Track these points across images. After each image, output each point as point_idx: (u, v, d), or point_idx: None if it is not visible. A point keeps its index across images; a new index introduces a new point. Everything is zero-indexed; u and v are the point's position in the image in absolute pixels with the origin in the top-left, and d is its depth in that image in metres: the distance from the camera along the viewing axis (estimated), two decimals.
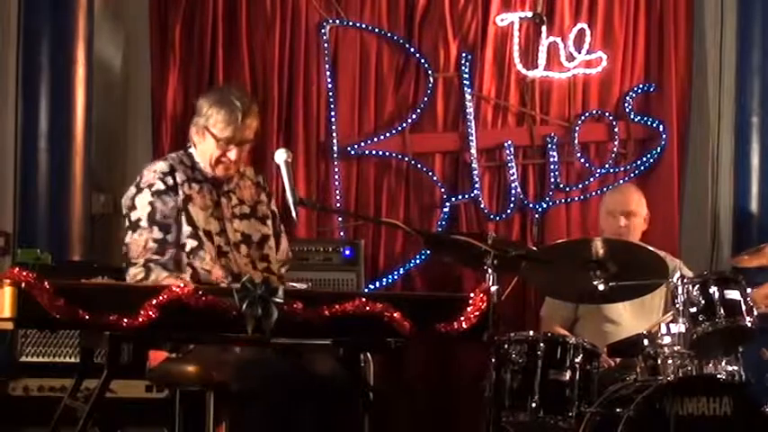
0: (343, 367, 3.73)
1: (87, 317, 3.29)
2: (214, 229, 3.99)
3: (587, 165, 6.33)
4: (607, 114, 6.36)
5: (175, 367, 3.84)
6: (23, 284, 3.24)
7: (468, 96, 6.12)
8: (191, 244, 3.94)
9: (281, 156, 3.85)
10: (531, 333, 4.62)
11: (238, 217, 4.07)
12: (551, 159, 6.25)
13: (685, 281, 4.47)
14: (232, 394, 3.76)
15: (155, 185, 3.96)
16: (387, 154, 6.03)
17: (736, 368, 4.49)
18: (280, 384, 3.67)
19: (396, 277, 5.93)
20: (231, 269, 3.94)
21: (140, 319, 3.33)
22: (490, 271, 3.67)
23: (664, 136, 6.39)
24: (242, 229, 4.06)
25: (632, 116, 6.39)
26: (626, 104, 6.38)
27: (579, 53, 6.29)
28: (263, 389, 3.64)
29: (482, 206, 6.13)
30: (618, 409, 4.29)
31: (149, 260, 3.88)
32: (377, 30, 6.04)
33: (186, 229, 3.95)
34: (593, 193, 6.28)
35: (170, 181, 3.97)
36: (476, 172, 6.11)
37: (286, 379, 3.70)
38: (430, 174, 6.08)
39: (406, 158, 6.05)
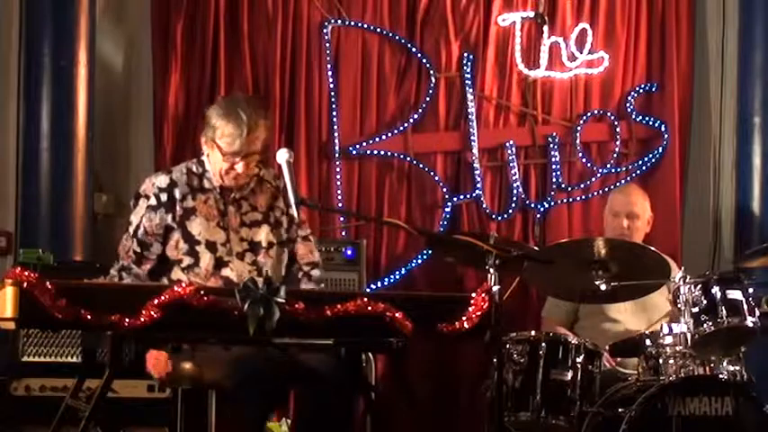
0: (342, 366, 3.75)
1: (89, 317, 3.30)
2: (219, 240, 4.00)
3: (589, 165, 6.33)
4: (609, 114, 6.36)
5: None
6: (25, 284, 3.24)
7: (469, 96, 6.12)
8: (187, 261, 3.98)
9: (282, 156, 3.85)
10: (533, 333, 4.62)
11: (248, 225, 4.05)
12: (553, 159, 6.25)
13: (687, 281, 4.47)
14: (226, 392, 3.78)
15: (150, 199, 4.01)
16: (388, 154, 6.03)
17: (737, 368, 4.49)
18: (269, 379, 3.71)
19: (397, 277, 5.93)
20: (231, 280, 3.94)
21: (142, 319, 3.34)
22: (492, 271, 3.67)
23: (665, 136, 6.39)
24: (250, 236, 4.04)
25: (634, 116, 6.39)
26: (628, 104, 6.38)
27: (581, 53, 6.29)
28: (253, 384, 3.68)
29: (484, 206, 6.13)
30: (620, 409, 4.30)
31: (126, 268, 4.00)
32: (378, 30, 6.04)
33: (183, 246, 3.98)
34: (595, 193, 6.28)
35: (164, 197, 3.99)
36: (477, 172, 6.10)
37: (276, 373, 3.74)
38: (431, 174, 6.08)
39: (408, 158, 6.05)
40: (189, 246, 3.97)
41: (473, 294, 3.63)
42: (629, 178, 6.32)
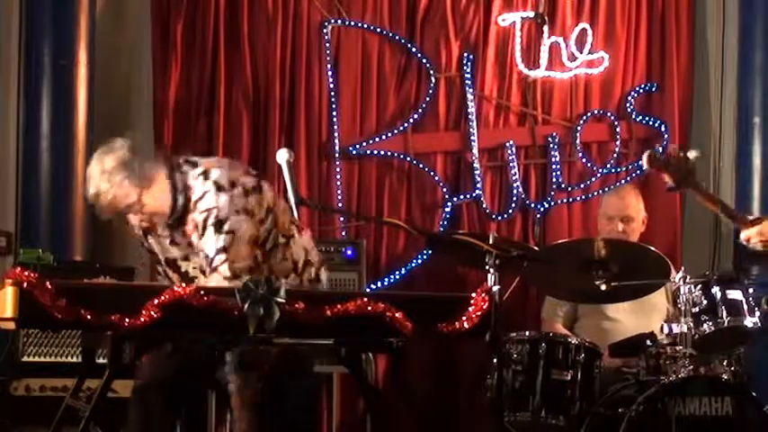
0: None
1: (89, 317, 3.30)
2: (178, 255, 3.94)
3: (589, 165, 6.33)
4: (609, 114, 6.36)
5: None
6: (25, 284, 3.25)
7: (469, 96, 6.12)
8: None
9: (282, 156, 3.85)
10: (533, 333, 4.63)
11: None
12: (553, 159, 6.24)
13: (687, 281, 4.47)
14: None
15: None
16: (388, 154, 6.03)
17: (737, 368, 4.49)
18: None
19: (397, 277, 5.93)
20: None
21: (142, 319, 3.33)
22: (492, 271, 3.67)
23: (665, 136, 6.39)
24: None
25: (634, 116, 6.39)
26: (628, 104, 6.38)
27: (581, 53, 6.29)
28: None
29: (484, 206, 6.13)
30: (619, 409, 4.30)
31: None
32: (379, 29, 6.04)
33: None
34: (595, 193, 6.28)
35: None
36: (477, 172, 6.10)
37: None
38: (432, 174, 6.08)
39: (408, 158, 6.05)
40: (158, 263, 4.02)
41: (473, 294, 3.63)
42: (628, 178, 6.31)
